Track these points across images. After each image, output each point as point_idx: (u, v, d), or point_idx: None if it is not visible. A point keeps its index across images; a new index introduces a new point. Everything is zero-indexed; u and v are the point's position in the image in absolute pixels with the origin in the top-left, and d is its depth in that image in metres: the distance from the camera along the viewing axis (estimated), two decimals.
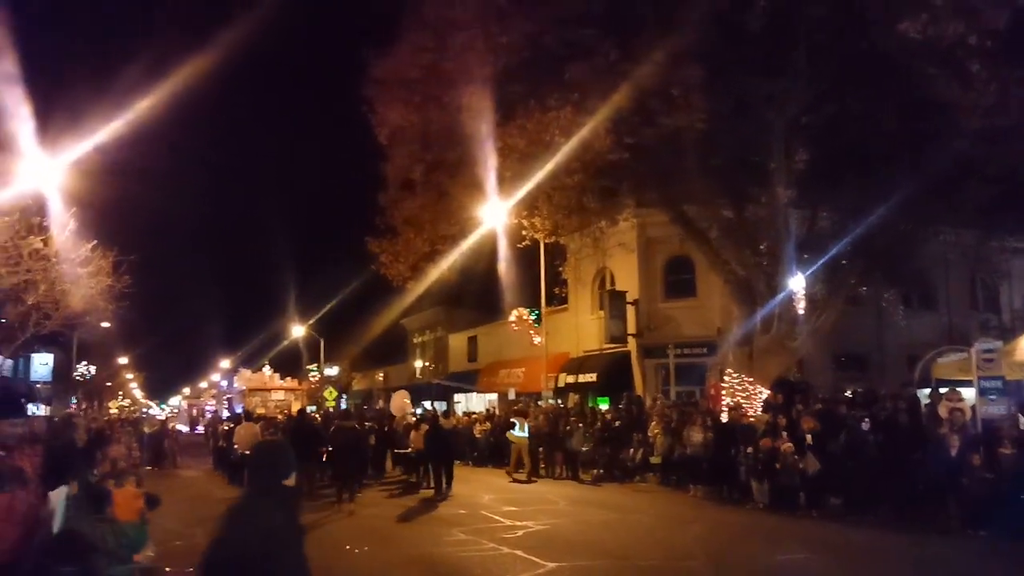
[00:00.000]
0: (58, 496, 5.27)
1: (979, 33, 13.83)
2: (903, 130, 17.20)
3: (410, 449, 19.40)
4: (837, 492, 13.60)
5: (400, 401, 22.50)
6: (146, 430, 25.64)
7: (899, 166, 17.08)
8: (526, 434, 19.94)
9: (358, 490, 16.31)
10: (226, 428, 23.85)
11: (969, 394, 14.26)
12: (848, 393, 17.63)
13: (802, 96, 16.65)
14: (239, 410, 30.20)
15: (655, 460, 18.05)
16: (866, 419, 13.76)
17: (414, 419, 20.76)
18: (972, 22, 13.82)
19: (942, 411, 13.38)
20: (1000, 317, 26.81)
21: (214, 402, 57.37)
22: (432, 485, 17.50)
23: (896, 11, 14.19)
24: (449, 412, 28.12)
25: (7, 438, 4.56)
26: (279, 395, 37.12)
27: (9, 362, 34.44)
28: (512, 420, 20.96)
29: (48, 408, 44.10)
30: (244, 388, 39.25)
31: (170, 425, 34.32)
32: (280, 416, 24.70)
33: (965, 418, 13.08)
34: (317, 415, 26.55)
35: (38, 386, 46.22)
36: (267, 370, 41.83)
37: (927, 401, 15.00)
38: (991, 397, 13.54)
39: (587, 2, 15.95)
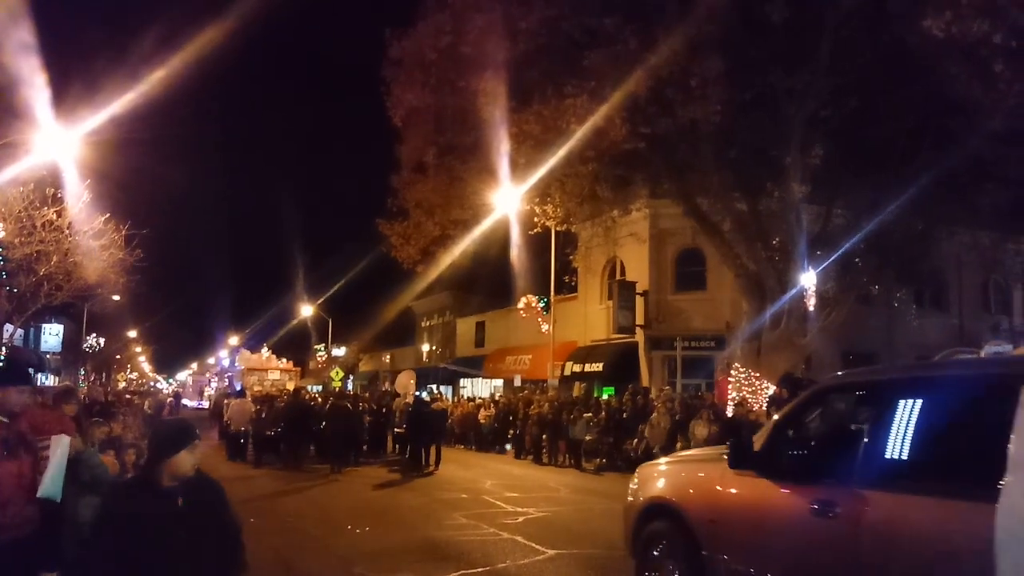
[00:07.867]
0: (59, 443, 4.81)
1: (1004, 32, 13.59)
2: (922, 128, 17.01)
3: (403, 429, 20.73)
4: None
5: (405, 380, 22.92)
6: (147, 409, 25.78)
7: (917, 164, 16.92)
8: None
9: (352, 466, 18.04)
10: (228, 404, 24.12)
11: None
12: None
13: (822, 90, 16.48)
14: (239, 387, 30.78)
15: (657, 451, 18.02)
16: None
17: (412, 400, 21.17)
18: (998, 20, 13.58)
19: None
20: (1012, 320, 26.66)
21: (216, 379, 58.13)
22: (423, 463, 18.82)
23: (920, 7, 13.97)
24: (435, 396, 28.80)
25: (14, 405, 4.52)
26: (275, 375, 38.28)
27: (20, 332, 34.70)
28: None
29: (57, 378, 44.49)
30: (243, 367, 40.22)
31: (170, 400, 35.22)
32: (281, 394, 24.98)
33: None
34: (317, 396, 26.90)
35: (48, 356, 46.60)
36: (265, 351, 43.02)
37: None
38: None
39: None
